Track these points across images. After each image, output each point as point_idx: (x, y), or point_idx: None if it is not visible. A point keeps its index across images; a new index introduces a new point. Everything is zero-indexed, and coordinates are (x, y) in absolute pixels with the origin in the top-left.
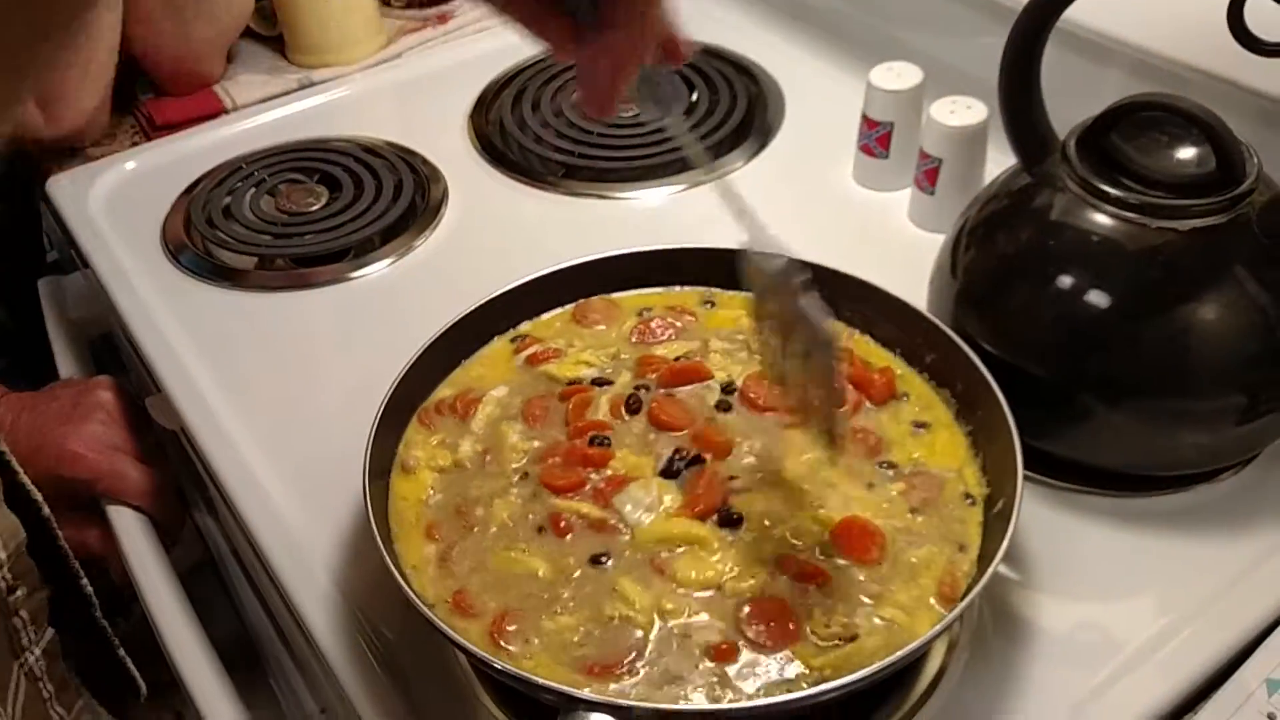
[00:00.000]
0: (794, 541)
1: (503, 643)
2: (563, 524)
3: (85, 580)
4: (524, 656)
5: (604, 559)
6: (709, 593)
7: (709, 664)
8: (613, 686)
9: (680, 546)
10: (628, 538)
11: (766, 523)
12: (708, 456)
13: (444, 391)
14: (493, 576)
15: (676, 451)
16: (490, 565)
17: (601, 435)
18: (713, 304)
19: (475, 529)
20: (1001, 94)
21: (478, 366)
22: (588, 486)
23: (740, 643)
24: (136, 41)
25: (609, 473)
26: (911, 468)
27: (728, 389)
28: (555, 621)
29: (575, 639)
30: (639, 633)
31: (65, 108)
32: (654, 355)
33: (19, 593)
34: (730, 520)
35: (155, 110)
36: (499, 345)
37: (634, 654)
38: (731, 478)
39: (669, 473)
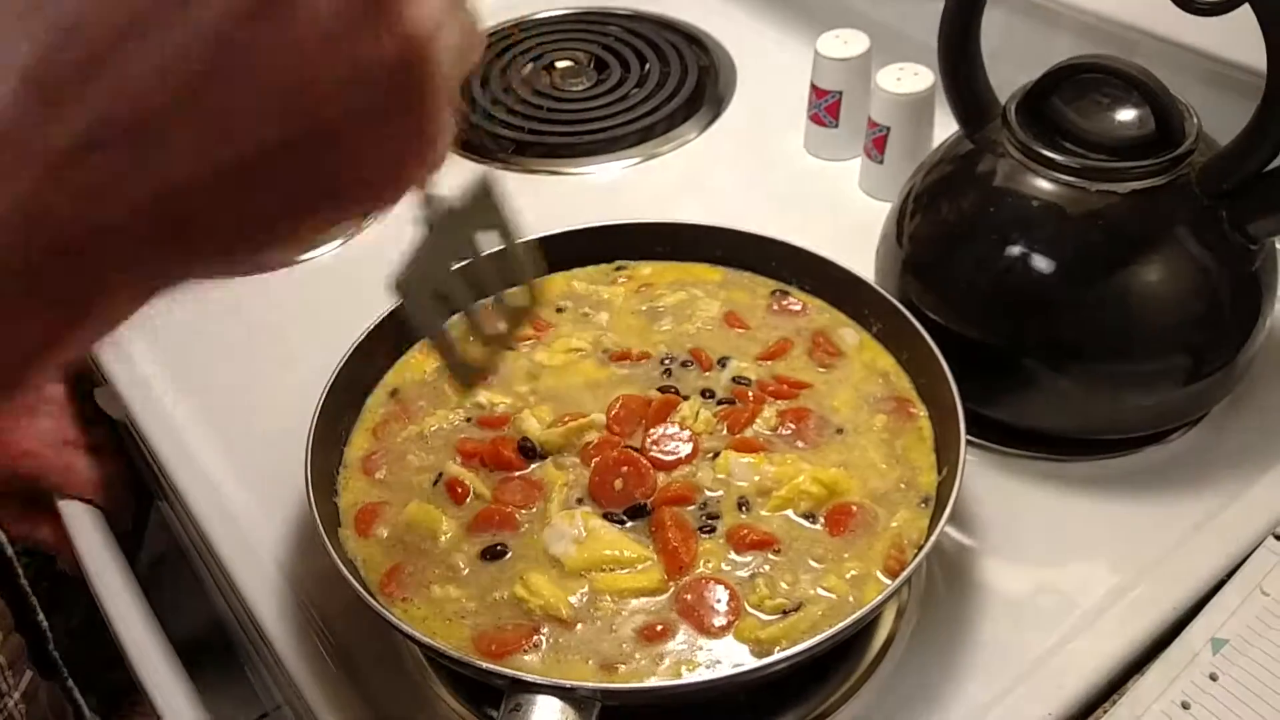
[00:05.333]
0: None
1: (397, 595)
2: (459, 490)
3: (42, 617)
4: (413, 619)
5: (501, 549)
6: (643, 600)
7: (644, 644)
8: (527, 659)
9: (614, 568)
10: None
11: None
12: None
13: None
14: (404, 521)
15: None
16: (404, 514)
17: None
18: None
19: (406, 424)
20: (941, 59)
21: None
22: (493, 474)
23: (680, 624)
24: None
25: (529, 470)
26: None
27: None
28: (444, 590)
29: (457, 610)
30: (537, 613)
31: None
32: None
33: None
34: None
35: None
36: (603, 268)
37: (533, 632)
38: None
39: (612, 518)
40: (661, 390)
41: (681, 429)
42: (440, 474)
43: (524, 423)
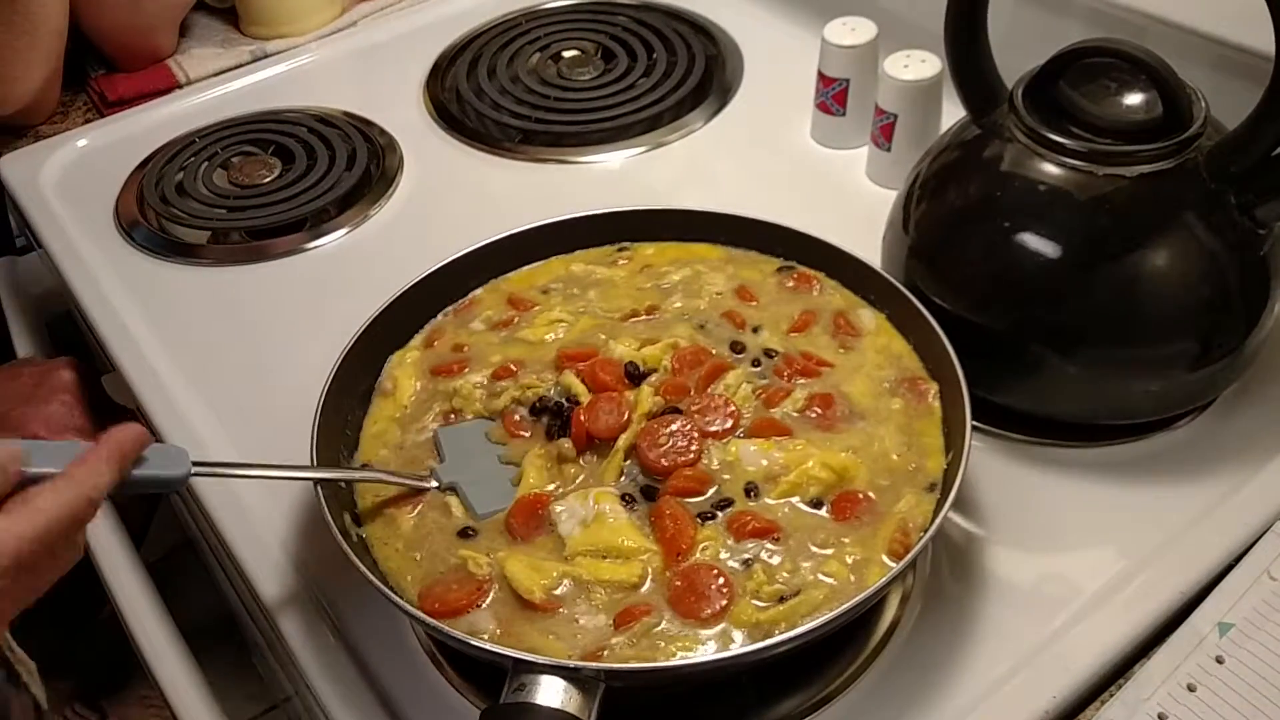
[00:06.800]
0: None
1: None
2: (516, 418)
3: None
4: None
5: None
6: (629, 591)
7: (621, 629)
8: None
9: (612, 556)
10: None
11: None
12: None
13: (539, 278)
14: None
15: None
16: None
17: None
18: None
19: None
20: (948, 44)
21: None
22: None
23: (667, 611)
24: (87, 17)
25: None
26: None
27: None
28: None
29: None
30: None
31: (14, 86)
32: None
33: None
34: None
35: (107, 86)
36: (605, 249)
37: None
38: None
39: (626, 499)
40: (732, 347)
41: (726, 404)
42: (561, 404)
43: (614, 350)
